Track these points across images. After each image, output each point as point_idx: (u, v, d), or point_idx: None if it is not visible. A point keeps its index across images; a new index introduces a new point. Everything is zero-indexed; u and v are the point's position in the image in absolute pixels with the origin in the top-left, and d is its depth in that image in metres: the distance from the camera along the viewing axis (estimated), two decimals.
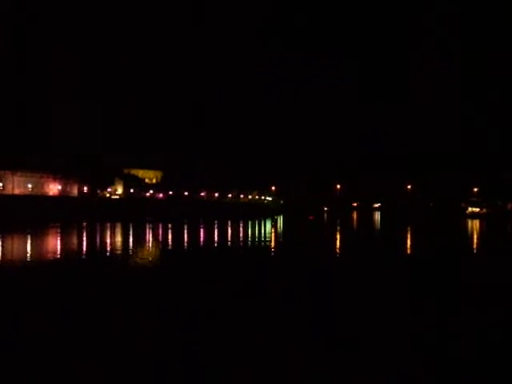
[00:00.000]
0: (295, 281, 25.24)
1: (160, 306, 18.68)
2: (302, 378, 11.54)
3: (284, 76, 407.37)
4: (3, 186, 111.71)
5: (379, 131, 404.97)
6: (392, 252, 43.04)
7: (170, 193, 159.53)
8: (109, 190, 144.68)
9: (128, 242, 51.32)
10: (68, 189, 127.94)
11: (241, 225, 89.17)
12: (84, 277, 25.95)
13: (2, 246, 43.15)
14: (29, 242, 48.73)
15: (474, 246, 52.63)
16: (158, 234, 62.88)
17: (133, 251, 41.12)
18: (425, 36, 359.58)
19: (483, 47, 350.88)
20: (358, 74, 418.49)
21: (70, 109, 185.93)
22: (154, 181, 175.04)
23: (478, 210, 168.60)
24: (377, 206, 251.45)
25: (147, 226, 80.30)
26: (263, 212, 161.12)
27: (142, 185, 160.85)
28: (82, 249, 42.88)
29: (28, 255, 36.39)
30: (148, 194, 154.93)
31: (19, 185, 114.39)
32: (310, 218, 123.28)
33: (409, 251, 45.57)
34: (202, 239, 56.07)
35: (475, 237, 68.49)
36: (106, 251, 40.41)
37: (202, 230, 71.32)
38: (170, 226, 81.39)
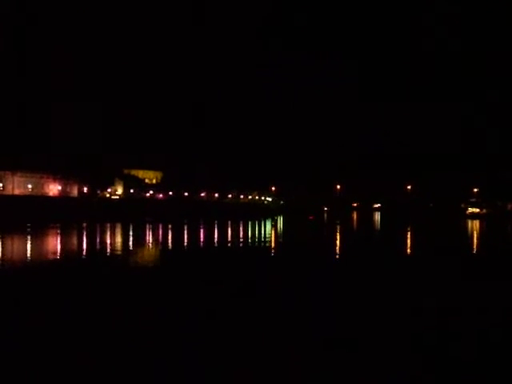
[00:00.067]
0: (295, 281, 25.23)
1: (160, 307, 18.68)
2: (301, 378, 11.53)
3: (284, 76, 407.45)
4: (3, 187, 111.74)
5: (379, 131, 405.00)
6: (392, 252, 43.03)
7: (170, 193, 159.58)
8: (109, 190, 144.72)
9: (128, 242, 51.32)
10: (68, 189, 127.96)
11: (241, 225, 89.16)
12: (84, 277, 25.94)
13: (2, 247, 43.14)
14: (29, 242, 48.73)
15: (474, 246, 52.62)
16: (158, 235, 62.88)
17: (133, 252, 41.12)
18: (425, 36, 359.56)
19: (483, 47, 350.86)
20: (357, 74, 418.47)
21: (70, 109, 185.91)
22: (154, 181, 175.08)
23: (477, 210, 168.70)
24: (377, 206, 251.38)
25: (147, 226, 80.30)
26: (263, 212, 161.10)
27: (141, 185, 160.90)
28: (82, 249, 42.87)
29: (28, 255, 36.38)
30: (148, 195, 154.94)
31: (19, 185, 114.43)
32: (310, 218, 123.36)
33: (409, 252, 45.57)
34: (202, 240, 56.06)
35: (475, 237, 68.48)
36: (106, 252, 40.40)
37: (202, 231, 71.31)
38: (170, 226, 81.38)
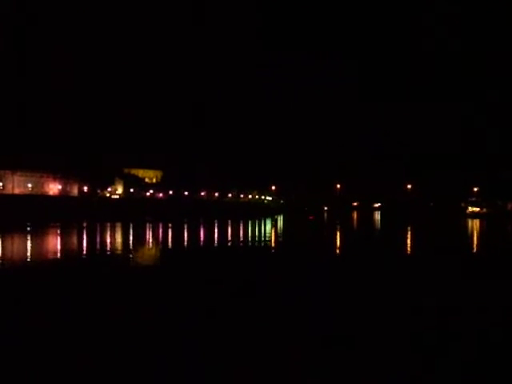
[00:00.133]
0: (295, 280, 25.24)
1: (160, 306, 18.68)
2: (301, 375, 11.54)
3: (284, 76, 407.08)
4: (3, 186, 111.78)
5: (379, 131, 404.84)
6: (392, 252, 43.04)
7: (170, 192, 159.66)
8: (109, 189, 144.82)
9: (128, 241, 51.33)
10: (68, 188, 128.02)
11: (241, 224, 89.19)
12: (84, 276, 25.95)
13: (2, 246, 43.15)
14: (29, 241, 48.73)
15: (474, 245, 52.63)
16: (158, 234, 62.90)
17: (133, 251, 41.12)
18: (425, 36, 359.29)
19: (483, 47, 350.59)
20: (357, 74, 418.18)
21: (70, 109, 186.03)
22: (154, 180, 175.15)
23: (478, 209, 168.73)
24: (377, 205, 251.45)
25: (147, 225, 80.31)
26: (263, 212, 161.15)
27: (142, 184, 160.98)
28: (82, 248, 42.88)
29: (28, 255, 36.38)
30: (148, 194, 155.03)
31: (19, 184, 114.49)
32: (310, 218, 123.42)
33: (409, 251, 45.58)
34: (202, 239, 56.07)
35: (475, 237, 68.50)
36: (107, 251, 40.41)
37: (202, 230, 71.33)
38: (170, 225, 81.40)
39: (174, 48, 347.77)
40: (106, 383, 11.17)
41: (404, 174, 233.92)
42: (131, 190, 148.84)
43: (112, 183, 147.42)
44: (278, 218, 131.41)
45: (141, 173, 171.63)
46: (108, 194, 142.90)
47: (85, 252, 39.95)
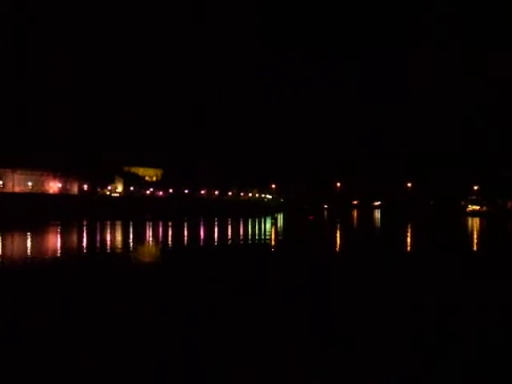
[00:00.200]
0: (295, 279, 25.25)
1: (160, 304, 18.70)
2: (300, 375, 11.55)
3: (284, 76, 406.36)
4: (3, 184, 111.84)
5: (379, 131, 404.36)
6: (392, 250, 43.04)
7: (170, 191, 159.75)
8: (109, 187, 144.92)
9: (128, 240, 51.35)
10: (68, 187, 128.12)
11: (241, 223, 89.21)
12: (84, 275, 25.97)
13: (3, 244, 43.17)
14: (29, 240, 48.75)
15: (474, 244, 52.65)
16: (158, 232, 62.91)
17: (133, 249, 41.15)
18: (425, 36, 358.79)
19: (483, 47, 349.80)
20: (357, 74, 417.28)
21: (70, 108, 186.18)
22: (154, 179, 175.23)
23: (478, 208, 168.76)
24: (377, 204, 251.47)
25: (147, 224, 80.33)
26: (263, 210, 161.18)
27: (142, 183, 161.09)
28: (83, 247, 42.89)
29: (28, 253, 36.40)
30: (148, 192, 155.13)
31: (19, 183, 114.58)
32: (310, 218, 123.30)
33: (409, 249, 45.60)
34: (202, 237, 56.09)
35: (475, 235, 68.52)
36: (107, 249, 40.42)
37: (202, 228, 71.35)
38: (170, 224, 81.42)
39: (173, 48, 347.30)
40: (105, 383, 11.19)
41: (404, 173, 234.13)
42: (131, 189, 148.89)
43: (112, 181, 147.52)
44: (278, 217, 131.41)
45: (141, 171, 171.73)
46: (108, 193, 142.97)
47: (85, 250, 39.97)
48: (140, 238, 53.90)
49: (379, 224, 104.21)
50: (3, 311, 17.46)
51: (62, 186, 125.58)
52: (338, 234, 66.36)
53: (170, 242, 49.09)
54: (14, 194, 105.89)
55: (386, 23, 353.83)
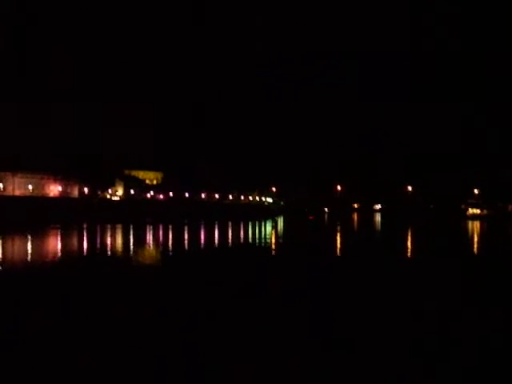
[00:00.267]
0: (295, 283, 25.24)
1: (160, 308, 18.68)
2: (300, 378, 11.54)
3: (284, 76, 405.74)
4: (4, 188, 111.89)
5: (379, 131, 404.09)
6: (393, 254, 43.01)
7: (171, 194, 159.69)
8: (109, 191, 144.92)
9: (129, 243, 51.33)
10: (68, 190, 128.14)
11: (241, 226, 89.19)
12: (84, 278, 25.95)
13: (3, 248, 43.16)
14: (29, 243, 48.74)
15: (475, 248, 52.60)
16: (159, 236, 62.90)
17: (133, 253, 41.13)
18: (425, 36, 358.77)
19: (483, 47, 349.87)
20: (358, 74, 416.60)
21: (70, 109, 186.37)
22: (155, 182, 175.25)
23: (478, 211, 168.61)
24: (377, 207, 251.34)
25: (148, 227, 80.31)
26: (263, 213, 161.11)
27: (142, 186, 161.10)
28: (83, 250, 42.89)
29: (28, 257, 36.39)
30: (148, 196, 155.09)
31: (20, 186, 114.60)
32: (310, 218, 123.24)
33: (410, 253, 45.54)
34: (202, 240, 56.08)
35: (475, 239, 68.46)
36: (107, 253, 40.41)
37: (202, 232, 71.34)
38: (170, 227, 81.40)
39: (174, 48, 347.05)
40: None
41: (404, 176, 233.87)
42: (132, 192, 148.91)
43: (112, 185, 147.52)
44: (279, 220, 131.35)
45: (141, 174, 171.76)
46: (108, 196, 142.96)
47: (85, 254, 39.96)
48: (140, 241, 53.89)
49: (380, 227, 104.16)
50: (4, 314, 17.45)
51: (63, 190, 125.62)
52: (338, 238, 66.33)
53: (170, 246, 49.07)
54: (14, 198, 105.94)
55: (386, 23, 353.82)
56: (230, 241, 55.69)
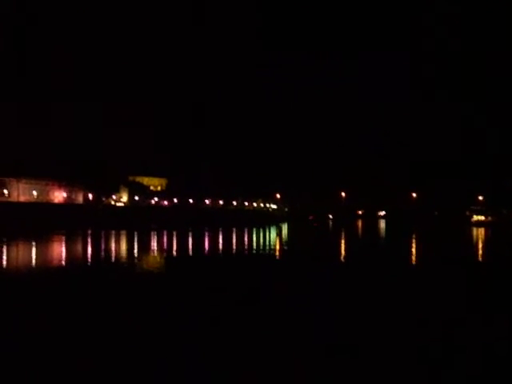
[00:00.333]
0: (299, 289, 25.22)
1: (164, 314, 18.70)
2: (305, 382, 11.56)
3: (284, 76, 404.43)
4: (9, 194, 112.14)
5: (379, 131, 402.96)
6: (398, 262, 42.93)
7: (175, 200, 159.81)
8: (114, 197, 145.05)
9: (133, 249, 51.38)
10: (73, 196, 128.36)
11: (245, 233, 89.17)
12: (89, 284, 26.00)
13: (8, 254, 43.26)
14: (34, 249, 48.84)
15: (480, 255, 52.44)
16: (163, 242, 62.93)
17: (138, 259, 41.16)
18: (425, 36, 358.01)
19: (483, 47, 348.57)
20: (357, 74, 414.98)
21: (70, 109, 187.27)
22: (159, 188, 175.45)
23: (483, 218, 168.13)
24: (382, 214, 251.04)
25: (152, 233, 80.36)
26: (268, 220, 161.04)
27: (146, 192, 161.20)
28: (87, 257, 42.96)
29: (33, 263, 36.47)
30: (153, 202, 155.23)
31: (24, 192, 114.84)
32: (315, 224, 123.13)
33: (415, 260, 45.43)
34: (206, 247, 56.08)
35: (480, 246, 68.25)
36: (111, 259, 40.48)
37: (206, 238, 71.35)
38: (174, 233, 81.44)
39: (174, 48, 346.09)
40: None
41: (409, 183, 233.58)
42: (136, 198, 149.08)
43: (117, 191, 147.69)
44: (283, 226, 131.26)
45: (146, 180, 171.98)
46: (113, 202, 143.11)
47: (90, 260, 40.03)
48: (145, 247, 53.92)
49: (384, 234, 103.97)
50: (8, 319, 17.50)
51: (67, 196, 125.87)
52: (342, 245, 66.22)
53: (174, 252, 49.09)
54: (19, 204, 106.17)
55: (386, 23, 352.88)
56: (234, 247, 55.68)
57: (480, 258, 47.34)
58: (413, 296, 23.76)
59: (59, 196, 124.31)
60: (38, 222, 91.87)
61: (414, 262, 42.53)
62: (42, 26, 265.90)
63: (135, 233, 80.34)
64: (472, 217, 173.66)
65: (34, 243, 54.96)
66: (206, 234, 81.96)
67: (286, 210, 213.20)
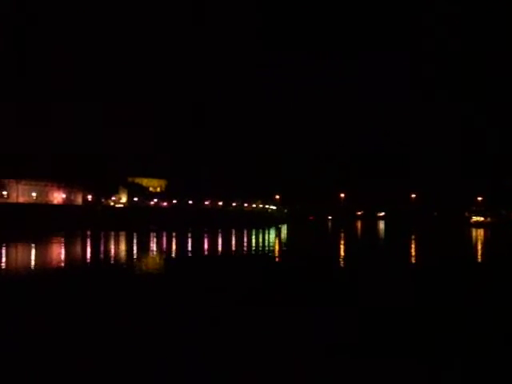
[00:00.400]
0: (299, 289, 25.24)
1: (164, 314, 18.72)
2: (305, 382, 11.58)
3: (284, 76, 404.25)
4: (8, 195, 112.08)
5: (379, 131, 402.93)
6: (398, 262, 42.96)
7: (174, 201, 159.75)
8: (113, 198, 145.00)
9: (132, 250, 51.37)
10: (72, 197, 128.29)
11: (245, 234, 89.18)
12: (89, 286, 26.02)
13: (7, 255, 43.24)
14: (33, 250, 48.81)
15: (479, 256, 52.48)
16: (163, 243, 62.93)
17: (137, 260, 41.17)
18: (425, 36, 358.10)
19: (483, 47, 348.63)
20: (357, 74, 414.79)
21: (70, 109, 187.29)
22: (159, 189, 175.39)
23: (482, 219, 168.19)
24: (381, 215, 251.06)
25: (151, 234, 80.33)
26: (267, 221, 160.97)
27: (146, 193, 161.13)
28: (86, 258, 42.96)
29: (32, 264, 36.47)
30: (152, 203, 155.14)
31: (23, 193, 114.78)
32: (310, 218, 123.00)
33: (414, 261, 45.47)
34: (206, 248, 56.09)
35: (479, 247, 68.30)
36: (111, 260, 40.49)
37: (206, 239, 71.35)
38: (174, 234, 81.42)
39: (173, 48, 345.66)
40: None
41: (408, 184, 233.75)
42: (135, 199, 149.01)
43: (116, 192, 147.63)
44: (282, 228, 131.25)
45: (145, 182, 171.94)
46: (112, 203, 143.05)
47: (89, 261, 40.03)
48: (144, 248, 53.92)
49: (383, 235, 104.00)
50: (7, 320, 17.51)
51: (66, 197, 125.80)
52: (342, 245, 66.24)
53: (174, 253, 49.09)
54: (18, 205, 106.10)
55: (386, 23, 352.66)
56: (233, 248, 55.70)
57: (479, 259, 47.37)
58: (413, 296, 23.79)
59: (58, 197, 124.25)
60: (37, 223, 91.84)
61: (412, 263, 42.55)
62: (42, 26, 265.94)
63: (134, 234, 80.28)
64: (471, 218, 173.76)
65: (33, 244, 54.93)
66: (206, 235, 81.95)
67: (286, 211, 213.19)
